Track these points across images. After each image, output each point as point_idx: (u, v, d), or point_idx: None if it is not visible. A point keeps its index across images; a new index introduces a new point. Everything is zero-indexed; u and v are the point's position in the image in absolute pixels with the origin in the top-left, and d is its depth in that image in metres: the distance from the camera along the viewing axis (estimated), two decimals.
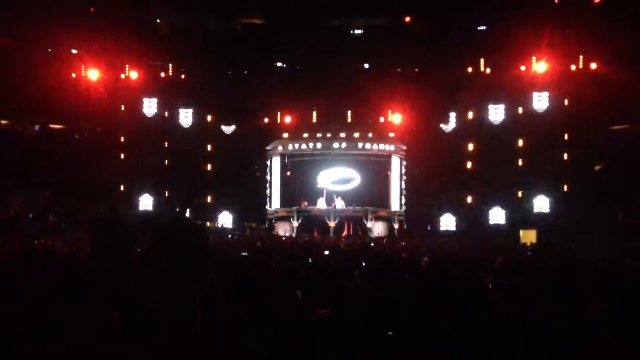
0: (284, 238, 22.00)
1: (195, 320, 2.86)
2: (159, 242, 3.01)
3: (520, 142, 27.15)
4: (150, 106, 28.06)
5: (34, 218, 23.73)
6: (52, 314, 3.80)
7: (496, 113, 27.29)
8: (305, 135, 28.68)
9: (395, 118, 28.39)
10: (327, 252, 12.01)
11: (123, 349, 3.17)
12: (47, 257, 8.90)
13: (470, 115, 27.96)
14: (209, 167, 28.76)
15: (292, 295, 4.96)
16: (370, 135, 28.69)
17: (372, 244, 17.53)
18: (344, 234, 24.99)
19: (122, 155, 27.86)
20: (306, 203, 27.29)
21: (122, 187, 27.46)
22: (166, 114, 28.56)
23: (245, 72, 28.77)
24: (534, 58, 25.59)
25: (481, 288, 5.50)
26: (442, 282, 6.14)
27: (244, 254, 9.75)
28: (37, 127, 28.94)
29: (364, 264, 8.83)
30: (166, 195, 27.51)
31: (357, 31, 28.61)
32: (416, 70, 27.92)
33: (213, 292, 3.86)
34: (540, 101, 26.27)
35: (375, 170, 28.89)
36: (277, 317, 4.41)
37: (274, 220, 28.23)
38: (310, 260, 9.55)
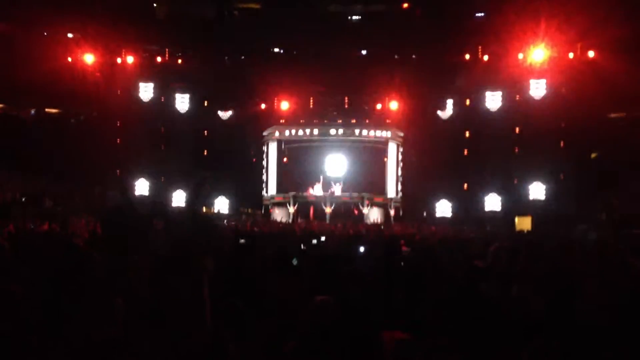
0: (280, 224, 22.05)
1: (204, 310, 2.86)
2: (179, 242, 2.99)
3: (517, 129, 27.15)
4: (146, 91, 27.94)
5: (30, 202, 23.66)
6: (51, 301, 3.81)
7: (493, 100, 27.25)
8: (302, 121, 28.66)
9: (393, 105, 28.35)
10: (323, 238, 12.02)
11: (126, 338, 3.19)
12: (44, 241, 8.88)
13: (468, 102, 27.94)
14: (205, 152, 28.70)
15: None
16: (367, 121, 28.69)
17: (368, 230, 17.56)
18: (340, 220, 25.05)
19: (118, 140, 27.76)
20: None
21: (117, 172, 27.41)
22: (162, 98, 28.45)
23: (242, 57, 28.62)
24: (531, 45, 25.51)
25: (475, 275, 5.55)
26: (432, 269, 6.18)
27: (242, 241, 9.73)
28: (32, 111, 28.81)
29: (361, 250, 8.86)
30: (162, 180, 27.45)
31: (355, 17, 28.48)
32: (414, 57, 27.80)
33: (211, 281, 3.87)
34: (538, 88, 26.25)
35: (372, 157, 28.94)
36: (274, 306, 4.44)
37: (270, 206, 28.28)
38: (306, 247, 9.58)
